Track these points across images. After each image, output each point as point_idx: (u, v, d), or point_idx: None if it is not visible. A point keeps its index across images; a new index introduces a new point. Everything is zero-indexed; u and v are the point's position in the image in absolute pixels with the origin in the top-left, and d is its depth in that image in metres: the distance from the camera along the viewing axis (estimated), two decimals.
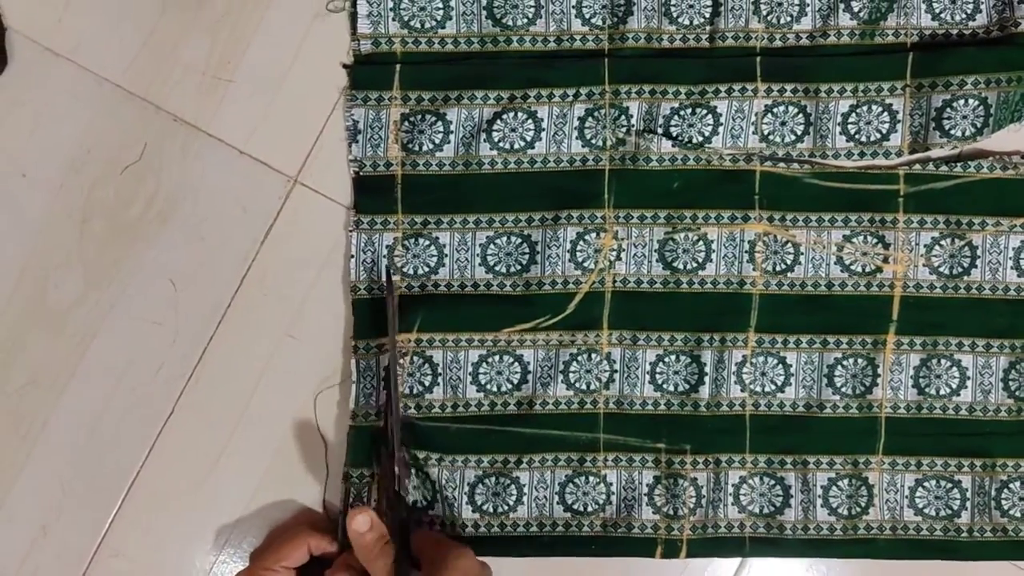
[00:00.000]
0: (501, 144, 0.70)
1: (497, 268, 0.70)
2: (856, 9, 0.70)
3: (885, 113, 0.70)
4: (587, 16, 0.70)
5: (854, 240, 0.70)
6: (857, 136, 0.70)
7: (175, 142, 0.71)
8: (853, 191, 0.70)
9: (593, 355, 0.70)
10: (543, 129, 0.70)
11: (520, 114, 0.70)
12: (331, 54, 0.71)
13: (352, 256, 0.70)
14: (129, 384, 0.71)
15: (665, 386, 0.70)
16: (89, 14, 0.71)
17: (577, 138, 0.70)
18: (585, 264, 0.70)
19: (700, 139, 0.69)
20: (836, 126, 0.70)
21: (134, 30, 0.71)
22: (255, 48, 0.72)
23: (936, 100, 0.69)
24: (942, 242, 0.70)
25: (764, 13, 0.70)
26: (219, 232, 0.71)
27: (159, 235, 0.71)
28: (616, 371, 0.70)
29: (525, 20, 0.70)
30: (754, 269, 0.70)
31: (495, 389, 0.70)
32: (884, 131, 0.70)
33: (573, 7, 0.70)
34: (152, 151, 0.71)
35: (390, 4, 0.70)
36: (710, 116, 0.69)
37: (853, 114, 0.70)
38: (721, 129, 0.69)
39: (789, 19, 0.70)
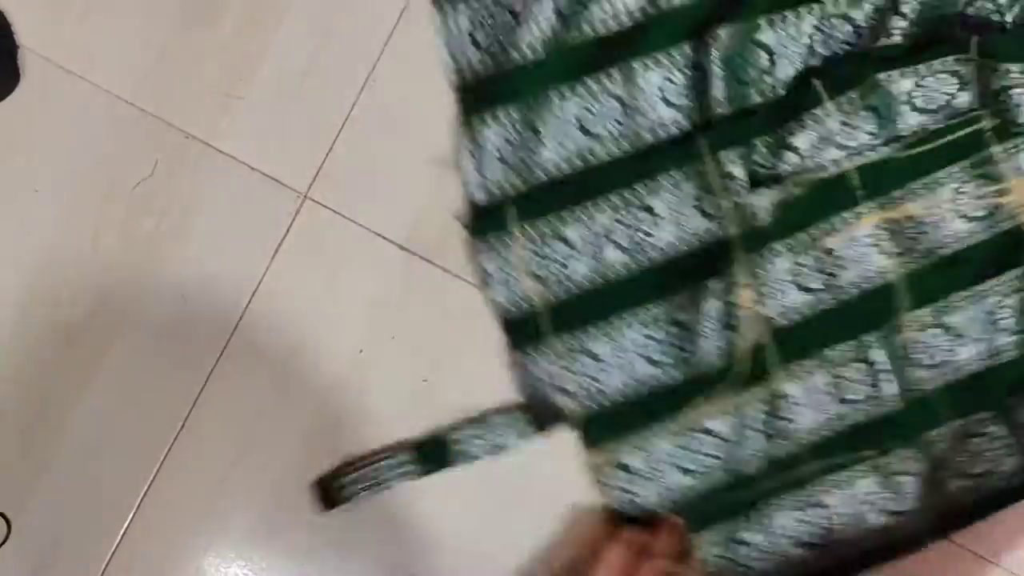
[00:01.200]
0: (626, 245, 0.71)
1: (660, 360, 0.71)
2: (907, 12, 0.69)
3: (951, 77, 0.70)
4: (672, 100, 0.71)
5: (964, 190, 0.70)
6: (926, 107, 0.70)
7: (186, 158, 0.72)
8: (941, 147, 0.70)
9: (777, 400, 0.70)
10: (662, 216, 0.71)
11: (636, 211, 0.71)
12: (341, 71, 0.72)
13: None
14: (139, 399, 0.71)
15: (850, 397, 0.71)
16: (101, 32, 0.72)
17: (698, 214, 0.71)
18: (734, 324, 0.70)
19: (789, 169, 0.70)
20: (902, 105, 0.70)
21: (146, 48, 0.72)
22: (266, 65, 0.72)
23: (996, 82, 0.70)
24: None
25: (818, 48, 0.70)
26: (230, 247, 0.72)
27: (170, 250, 0.72)
28: (800, 404, 0.70)
29: (616, 124, 0.71)
30: (887, 258, 0.70)
31: (701, 470, 0.71)
32: (952, 91, 0.70)
33: (658, 97, 0.71)
34: (163, 167, 0.72)
35: (496, 155, 0.71)
36: (790, 153, 0.70)
37: (916, 87, 0.70)
38: (804, 158, 0.70)
39: (841, 40, 0.71)
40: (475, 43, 0.72)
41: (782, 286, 0.71)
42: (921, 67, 0.69)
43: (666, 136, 0.71)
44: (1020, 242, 0.70)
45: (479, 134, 0.71)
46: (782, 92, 0.71)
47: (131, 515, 0.71)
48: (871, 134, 0.70)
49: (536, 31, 0.70)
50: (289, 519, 0.71)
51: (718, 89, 0.70)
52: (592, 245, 0.71)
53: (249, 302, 0.72)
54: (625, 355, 0.71)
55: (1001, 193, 0.70)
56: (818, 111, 0.70)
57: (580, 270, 0.71)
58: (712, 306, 0.70)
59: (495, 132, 0.71)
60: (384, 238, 0.72)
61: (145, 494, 0.71)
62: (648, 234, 0.71)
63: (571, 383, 0.71)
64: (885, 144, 0.70)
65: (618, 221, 0.71)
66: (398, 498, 0.71)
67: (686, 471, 0.70)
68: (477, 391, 0.72)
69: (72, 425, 0.71)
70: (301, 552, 0.71)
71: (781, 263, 0.71)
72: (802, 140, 0.70)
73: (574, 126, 0.71)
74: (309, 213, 0.72)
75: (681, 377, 0.71)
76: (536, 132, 0.71)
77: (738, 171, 0.70)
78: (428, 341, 0.72)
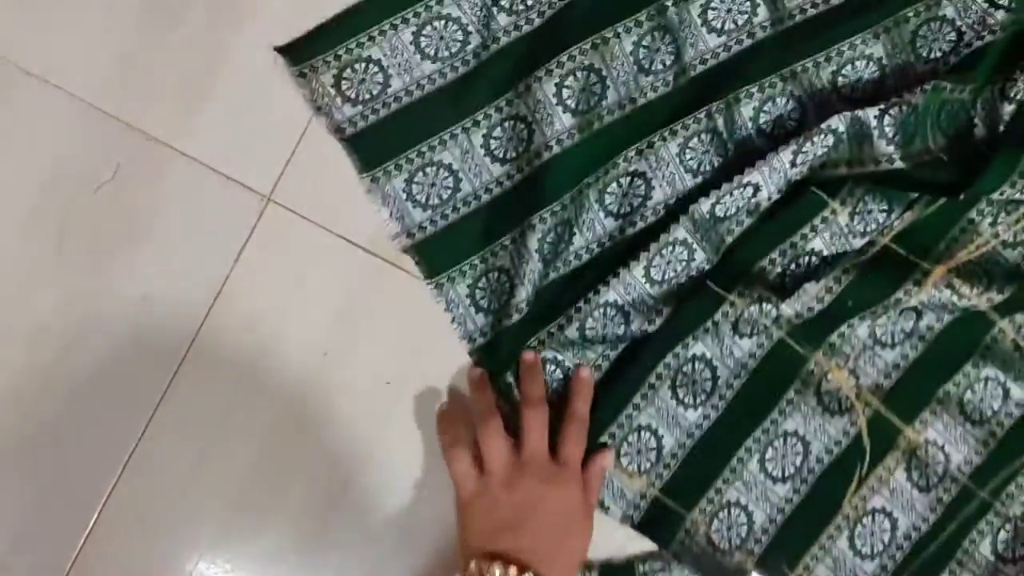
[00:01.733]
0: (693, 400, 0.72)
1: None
2: (889, 134, 0.69)
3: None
4: (655, 278, 0.71)
5: (1000, 222, 0.71)
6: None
7: (148, 161, 0.71)
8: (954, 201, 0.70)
9: (918, 453, 0.71)
10: (714, 363, 0.72)
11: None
12: None
13: None
14: (103, 402, 0.71)
15: (987, 414, 0.71)
16: (62, 33, 0.72)
17: (741, 337, 0.72)
18: (843, 408, 0.71)
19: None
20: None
21: (107, 50, 0.72)
22: (228, 67, 0.72)
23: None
24: None
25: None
26: (192, 250, 0.71)
27: (132, 253, 0.71)
28: (943, 443, 0.71)
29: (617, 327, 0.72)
30: (969, 300, 0.70)
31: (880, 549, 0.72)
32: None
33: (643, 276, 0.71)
34: (125, 170, 0.71)
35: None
36: (812, 258, 0.71)
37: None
38: (826, 258, 0.71)
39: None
40: (477, 307, 0.72)
41: (869, 351, 0.71)
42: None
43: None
44: None
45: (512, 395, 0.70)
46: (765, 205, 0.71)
47: (93, 519, 0.71)
48: (885, 211, 0.71)
49: (531, 288, 0.70)
50: (254, 523, 0.71)
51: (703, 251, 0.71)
52: (666, 416, 0.71)
53: (212, 305, 0.71)
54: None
55: None
56: (825, 213, 0.70)
57: (669, 443, 0.71)
58: (809, 399, 0.71)
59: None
60: (348, 241, 0.72)
61: (108, 498, 0.71)
62: (708, 378, 0.71)
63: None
64: (906, 211, 0.70)
65: (675, 387, 0.71)
66: (369, 500, 0.71)
67: (872, 556, 0.71)
68: (440, 394, 0.72)
69: (33, 427, 0.71)
70: (267, 556, 0.71)
71: (862, 332, 0.71)
72: (819, 243, 0.71)
73: (580, 341, 0.71)
74: (273, 216, 0.72)
75: (819, 468, 0.71)
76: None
77: (763, 292, 0.70)
78: (392, 344, 0.72)
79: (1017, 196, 0.67)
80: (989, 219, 0.71)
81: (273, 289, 0.72)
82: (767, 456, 0.71)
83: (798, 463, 0.71)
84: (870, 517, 0.71)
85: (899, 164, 0.69)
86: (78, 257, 0.71)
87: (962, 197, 0.67)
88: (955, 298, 0.70)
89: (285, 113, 0.72)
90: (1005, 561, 0.71)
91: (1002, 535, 0.71)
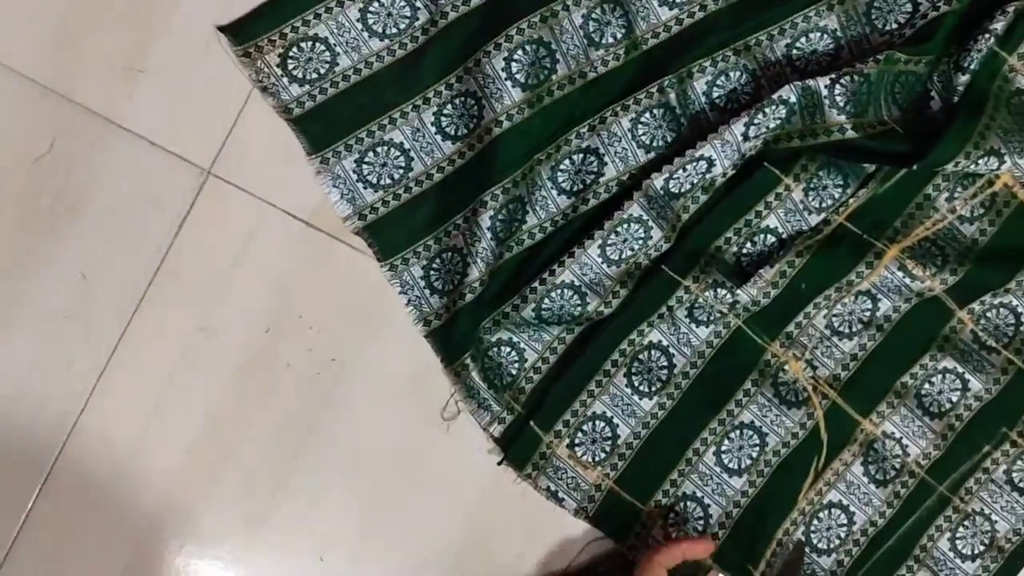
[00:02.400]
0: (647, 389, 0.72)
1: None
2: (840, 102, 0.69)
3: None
4: (612, 257, 0.71)
5: (956, 197, 0.71)
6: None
7: (85, 134, 0.70)
8: (910, 174, 0.70)
9: (875, 445, 0.71)
10: (672, 353, 0.71)
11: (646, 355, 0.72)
12: None
13: None
14: (41, 379, 0.70)
15: (946, 406, 0.71)
16: None
17: (697, 324, 0.71)
18: (800, 399, 0.71)
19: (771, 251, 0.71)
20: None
21: (44, 20, 0.70)
22: (167, 38, 0.71)
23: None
24: (1015, 133, 0.68)
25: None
26: (132, 225, 0.70)
27: (70, 228, 0.70)
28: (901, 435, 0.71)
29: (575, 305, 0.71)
30: (922, 282, 0.70)
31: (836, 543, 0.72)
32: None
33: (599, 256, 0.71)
34: (62, 143, 0.70)
35: (485, 386, 0.70)
36: (769, 236, 0.71)
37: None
38: (782, 235, 0.71)
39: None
40: (432, 289, 0.71)
41: (827, 342, 0.71)
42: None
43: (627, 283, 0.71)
44: None
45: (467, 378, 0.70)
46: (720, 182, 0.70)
47: (35, 494, 0.70)
48: (840, 186, 0.70)
49: (483, 266, 0.69)
50: (199, 503, 0.70)
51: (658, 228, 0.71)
52: (621, 405, 0.71)
53: (152, 280, 0.70)
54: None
55: (990, 182, 0.70)
56: (779, 189, 0.70)
57: (624, 432, 0.71)
58: (766, 390, 0.70)
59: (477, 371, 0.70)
60: (289, 214, 0.71)
61: (50, 471, 0.70)
62: (664, 366, 0.71)
63: None
64: (861, 187, 0.70)
65: (630, 374, 0.71)
66: (315, 477, 0.70)
67: (828, 551, 0.71)
68: (385, 368, 0.71)
69: None
70: (213, 535, 0.70)
71: (819, 322, 0.71)
72: (773, 220, 0.70)
73: (535, 322, 0.71)
74: (213, 189, 0.71)
75: (775, 460, 0.71)
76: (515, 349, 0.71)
77: (718, 277, 0.69)
78: (336, 319, 0.71)
79: (972, 168, 0.67)
80: (945, 194, 0.71)
81: (214, 264, 0.71)
82: (723, 448, 0.70)
83: (754, 455, 0.70)
84: (827, 512, 0.70)
85: (851, 134, 0.68)
86: (14, 231, 0.70)
87: (915, 167, 0.67)
88: (907, 279, 0.69)
89: (225, 86, 0.71)
90: (964, 558, 0.70)
91: (961, 531, 0.70)
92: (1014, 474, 0.71)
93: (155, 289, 0.70)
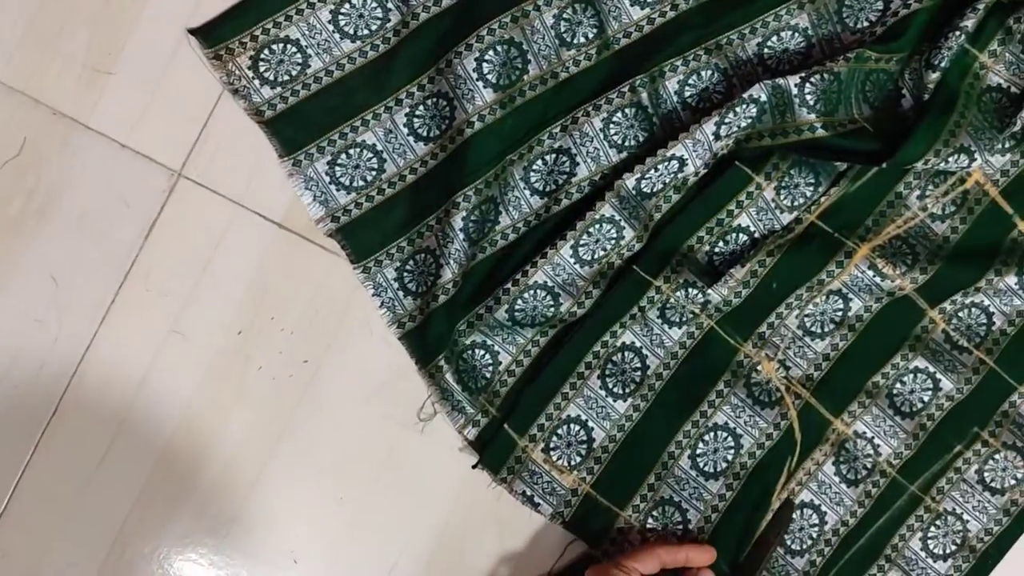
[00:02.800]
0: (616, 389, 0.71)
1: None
2: (810, 100, 0.68)
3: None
4: (585, 258, 0.70)
5: (928, 194, 0.70)
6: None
7: (54, 136, 0.70)
8: (882, 172, 0.70)
9: (847, 445, 0.71)
10: (645, 354, 0.71)
11: (618, 354, 0.71)
12: None
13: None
14: (11, 383, 0.70)
15: (918, 406, 0.71)
16: None
17: (668, 326, 0.71)
18: (773, 400, 0.70)
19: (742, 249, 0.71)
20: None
21: (11, 22, 0.70)
22: (136, 39, 0.71)
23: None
24: (985, 131, 0.68)
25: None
26: (102, 227, 0.70)
27: (40, 231, 0.70)
28: (873, 434, 0.71)
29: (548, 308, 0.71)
30: (892, 281, 0.70)
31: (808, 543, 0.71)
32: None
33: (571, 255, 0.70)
34: (31, 145, 0.70)
35: (459, 388, 0.69)
36: (740, 235, 0.70)
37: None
38: (753, 234, 0.71)
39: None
40: (406, 291, 0.71)
41: (799, 342, 0.70)
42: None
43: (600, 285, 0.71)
44: (999, 215, 0.71)
45: (441, 380, 0.70)
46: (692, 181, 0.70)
47: (6, 500, 0.69)
48: (812, 185, 0.70)
49: (456, 267, 0.69)
50: (168, 507, 0.70)
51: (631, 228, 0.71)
52: (595, 407, 0.70)
53: (122, 284, 0.70)
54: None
55: (962, 180, 0.70)
56: (751, 188, 0.69)
57: (599, 436, 0.71)
58: (739, 391, 0.70)
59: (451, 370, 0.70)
60: (261, 216, 0.71)
61: (20, 476, 0.70)
62: (638, 368, 0.70)
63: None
64: (833, 185, 0.70)
65: (604, 376, 0.70)
66: (286, 479, 0.70)
67: (800, 552, 0.70)
68: (357, 370, 0.71)
69: None
70: (183, 537, 0.70)
71: (791, 322, 0.70)
72: (745, 219, 0.70)
73: (509, 324, 0.70)
74: (183, 191, 0.70)
75: (751, 463, 0.70)
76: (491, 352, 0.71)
77: (689, 276, 0.69)
78: (308, 321, 0.71)
79: (942, 165, 0.67)
80: (917, 192, 0.70)
81: (186, 266, 0.70)
82: (698, 451, 0.70)
83: (730, 458, 0.70)
84: (799, 512, 0.70)
85: (821, 132, 0.68)
86: None
87: (884, 165, 0.67)
88: (878, 279, 0.69)
89: (195, 87, 0.70)
90: (936, 557, 0.70)
91: (933, 530, 0.70)
92: (985, 474, 0.70)
93: (126, 292, 0.70)
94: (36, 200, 0.70)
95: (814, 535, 0.70)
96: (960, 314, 0.71)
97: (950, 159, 0.66)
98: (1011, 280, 0.70)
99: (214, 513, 0.70)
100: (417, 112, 0.71)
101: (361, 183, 0.71)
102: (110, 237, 0.70)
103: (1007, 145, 0.70)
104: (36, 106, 0.70)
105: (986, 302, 0.70)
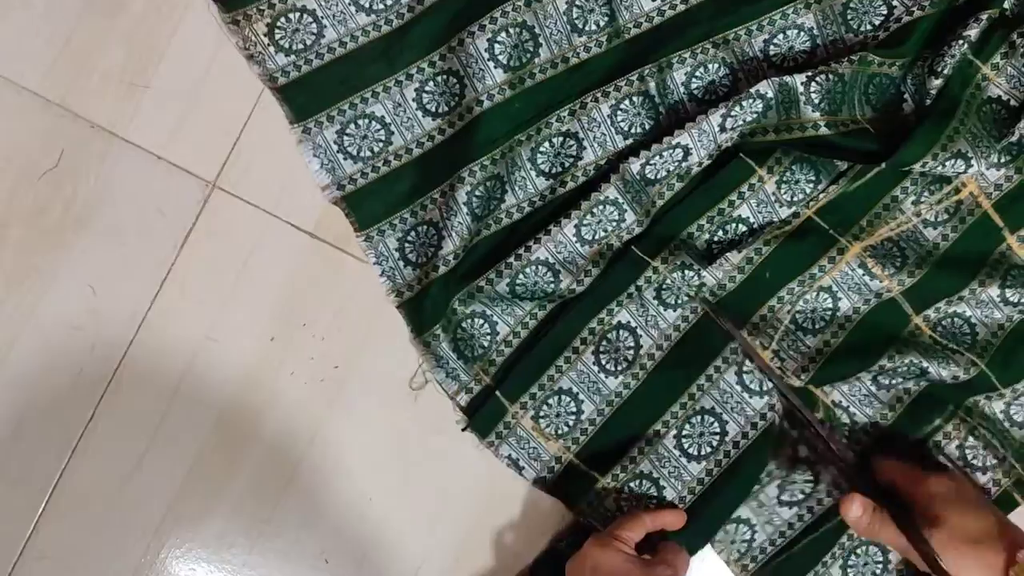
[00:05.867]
0: (613, 367, 0.72)
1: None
2: (815, 98, 0.70)
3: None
4: (586, 238, 0.72)
5: (923, 200, 0.72)
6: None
7: (92, 148, 0.72)
8: (886, 168, 0.70)
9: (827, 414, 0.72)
10: (639, 332, 0.72)
11: (612, 334, 0.73)
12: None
13: None
14: (49, 389, 0.71)
15: (900, 389, 0.72)
16: (4, 21, 0.72)
17: (665, 308, 0.72)
18: (764, 389, 0.72)
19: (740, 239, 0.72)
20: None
21: (50, 37, 0.72)
22: (171, 53, 0.72)
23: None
24: (983, 139, 0.69)
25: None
26: (138, 237, 0.72)
27: (77, 240, 0.72)
28: (848, 403, 0.72)
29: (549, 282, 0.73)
30: (880, 281, 0.71)
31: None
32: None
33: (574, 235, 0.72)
34: (69, 157, 0.72)
35: (455, 356, 0.72)
36: (740, 225, 0.72)
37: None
38: (752, 225, 0.72)
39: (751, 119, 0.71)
40: (406, 261, 0.72)
41: (793, 336, 0.72)
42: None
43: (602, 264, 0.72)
44: (989, 228, 0.72)
45: (437, 348, 0.71)
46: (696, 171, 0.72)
47: (45, 501, 0.71)
48: (812, 182, 0.72)
49: (458, 240, 0.71)
50: (204, 508, 0.72)
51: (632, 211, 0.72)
52: (587, 382, 0.72)
53: (158, 292, 0.72)
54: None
55: (957, 190, 0.72)
56: (753, 180, 0.71)
57: (588, 409, 0.72)
58: (729, 377, 0.71)
59: (446, 340, 0.72)
60: (293, 226, 0.73)
61: (59, 478, 0.71)
62: (631, 347, 0.72)
63: None
64: (832, 183, 0.71)
65: (598, 352, 0.72)
66: (318, 483, 0.72)
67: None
68: (387, 376, 0.73)
69: None
70: (217, 538, 0.72)
71: (783, 316, 0.72)
72: (746, 210, 0.72)
73: (509, 296, 0.72)
74: (217, 202, 0.72)
75: (735, 452, 0.72)
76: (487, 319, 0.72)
77: (686, 259, 0.71)
78: (338, 328, 0.73)
79: (939, 169, 0.69)
80: (912, 197, 0.72)
81: (219, 275, 0.72)
82: (684, 432, 0.72)
83: (715, 443, 0.72)
84: (796, 468, 0.72)
85: (824, 131, 0.70)
86: (22, 244, 0.71)
87: (884, 165, 0.68)
88: (867, 278, 0.71)
89: (229, 99, 0.72)
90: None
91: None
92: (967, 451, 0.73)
93: (162, 300, 0.72)
94: (74, 210, 0.72)
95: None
96: (944, 323, 0.72)
97: (947, 163, 0.68)
98: (993, 292, 0.71)
99: (248, 514, 0.72)
100: (427, 88, 0.73)
101: (368, 153, 0.72)
102: (146, 247, 0.72)
103: (1003, 160, 0.72)
104: (74, 119, 0.72)
105: (968, 312, 0.72)
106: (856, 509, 0.65)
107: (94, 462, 0.71)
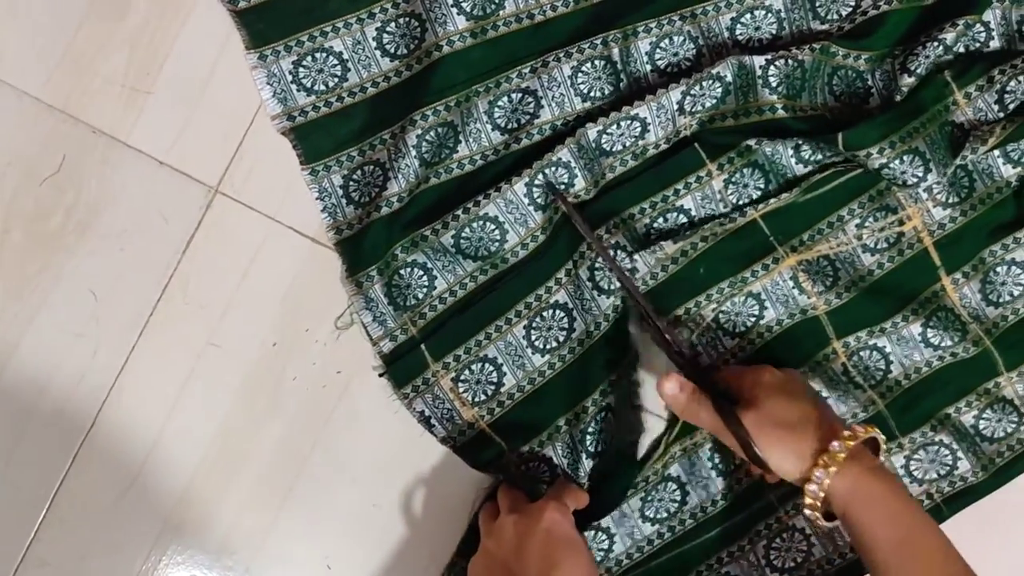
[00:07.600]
0: (544, 347, 0.72)
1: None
2: (774, 84, 0.70)
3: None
4: (541, 202, 0.71)
5: (866, 224, 0.72)
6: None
7: (94, 153, 0.72)
8: (838, 186, 0.71)
9: None
10: (571, 310, 0.72)
11: (546, 312, 0.72)
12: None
13: None
14: (51, 395, 0.71)
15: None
16: (6, 27, 0.72)
17: (597, 292, 0.72)
18: None
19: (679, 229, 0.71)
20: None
21: (52, 42, 0.72)
22: (174, 59, 0.72)
23: None
24: (940, 148, 0.69)
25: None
26: (140, 243, 0.72)
27: (79, 246, 0.72)
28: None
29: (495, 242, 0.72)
30: (808, 297, 0.71)
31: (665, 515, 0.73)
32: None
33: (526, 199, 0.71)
34: (71, 162, 0.72)
35: (385, 301, 0.71)
36: (680, 215, 0.71)
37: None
38: (693, 218, 0.72)
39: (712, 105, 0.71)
40: (349, 199, 0.72)
41: (712, 333, 0.72)
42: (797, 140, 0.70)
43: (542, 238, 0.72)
44: (926, 265, 0.72)
45: (369, 289, 0.71)
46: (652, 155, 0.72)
47: (45, 508, 0.71)
48: (760, 189, 0.71)
49: (404, 183, 0.71)
50: (205, 515, 0.72)
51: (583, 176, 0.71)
52: (513, 355, 0.72)
53: (160, 297, 0.72)
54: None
55: (901, 222, 0.72)
56: (701, 173, 0.71)
57: (509, 382, 0.72)
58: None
59: (380, 284, 0.71)
60: (295, 231, 0.73)
61: (60, 485, 0.71)
62: (564, 328, 0.72)
63: None
64: (782, 191, 0.71)
65: (530, 327, 0.72)
66: (320, 489, 0.72)
67: (654, 520, 0.72)
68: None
69: None
70: (219, 547, 0.72)
71: (707, 313, 0.72)
72: (689, 202, 0.71)
73: (453, 251, 0.71)
74: (220, 207, 0.72)
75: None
76: (428, 270, 0.71)
77: (620, 239, 0.71)
78: (340, 333, 0.72)
79: (896, 166, 0.67)
80: (857, 220, 0.72)
81: (222, 280, 0.72)
82: (602, 427, 0.71)
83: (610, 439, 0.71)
84: (664, 484, 0.72)
85: (781, 114, 0.71)
86: (24, 249, 0.71)
87: (840, 137, 0.67)
88: (796, 291, 0.71)
89: (232, 106, 0.72)
90: (774, 569, 0.72)
91: (777, 542, 0.72)
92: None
93: (164, 305, 0.72)
94: (76, 216, 0.72)
95: (672, 510, 0.72)
96: (861, 353, 0.72)
97: (904, 158, 0.67)
98: (915, 329, 0.71)
99: (250, 520, 0.72)
100: (388, 28, 0.72)
101: (322, 88, 0.72)
102: (148, 252, 0.72)
103: (951, 200, 0.71)
104: (76, 124, 0.72)
105: (888, 348, 0.72)
106: (672, 386, 0.64)
107: (95, 469, 0.71)
